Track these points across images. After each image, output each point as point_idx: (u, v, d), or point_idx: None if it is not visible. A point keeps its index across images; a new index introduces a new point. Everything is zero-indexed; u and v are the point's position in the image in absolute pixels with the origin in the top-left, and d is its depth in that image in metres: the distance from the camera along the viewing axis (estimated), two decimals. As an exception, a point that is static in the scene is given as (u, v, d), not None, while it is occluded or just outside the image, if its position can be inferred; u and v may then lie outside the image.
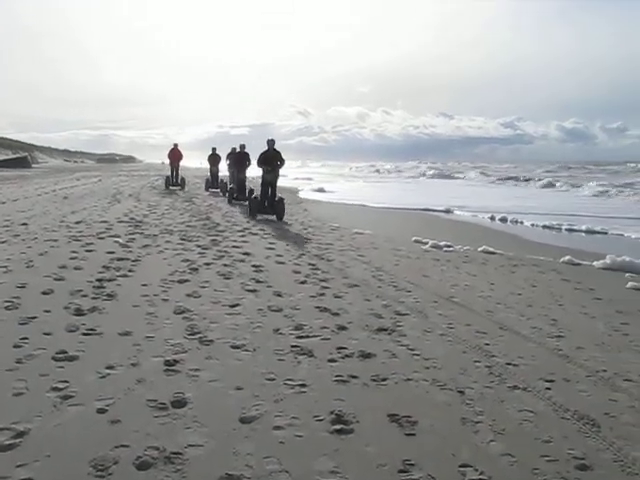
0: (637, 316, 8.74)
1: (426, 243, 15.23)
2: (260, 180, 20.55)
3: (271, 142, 19.88)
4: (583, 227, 20.79)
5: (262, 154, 19.72)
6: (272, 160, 19.66)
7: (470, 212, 26.20)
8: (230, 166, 27.94)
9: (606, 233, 19.94)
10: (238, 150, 26.76)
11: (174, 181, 33.85)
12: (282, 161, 19.99)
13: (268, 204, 19.88)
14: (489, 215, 24.16)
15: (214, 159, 33.80)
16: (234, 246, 13.08)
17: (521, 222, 22.49)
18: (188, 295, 8.37)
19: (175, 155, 34.19)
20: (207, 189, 33.39)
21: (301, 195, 36.06)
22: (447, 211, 26.39)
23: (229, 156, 29.39)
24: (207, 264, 10.79)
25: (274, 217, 19.76)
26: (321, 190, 40.66)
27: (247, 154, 25.76)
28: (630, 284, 11.04)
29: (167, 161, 35.12)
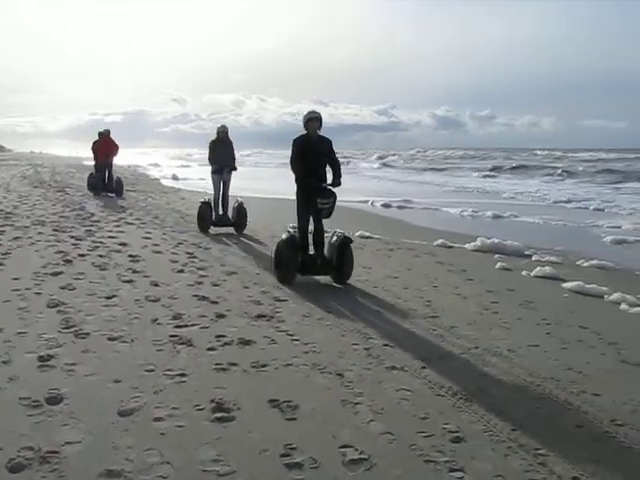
0: (505, 295, 9.14)
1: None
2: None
3: (313, 119, 9.29)
4: (461, 210, 21.57)
5: (300, 143, 9.31)
6: (319, 156, 9.34)
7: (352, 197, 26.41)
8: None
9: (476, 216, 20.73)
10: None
11: (106, 183, 23.35)
12: (336, 161, 9.46)
13: (317, 256, 9.52)
14: (365, 200, 24.45)
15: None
16: (110, 236, 12.74)
17: (401, 207, 22.95)
18: (62, 288, 8.11)
19: (106, 147, 23.47)
20: (96, 191, 23.02)
21: (178, 185, 35.41)
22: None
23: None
24: (82, 255, 10.48)
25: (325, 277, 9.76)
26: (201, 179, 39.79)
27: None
28: (499, 265, 11.52)
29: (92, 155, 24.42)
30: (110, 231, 13.56)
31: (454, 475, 3.97)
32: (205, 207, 14.78)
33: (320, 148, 9.27)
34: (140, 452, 4.02)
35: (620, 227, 18.31)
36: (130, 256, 10.62)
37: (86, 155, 60.16)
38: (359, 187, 30.61)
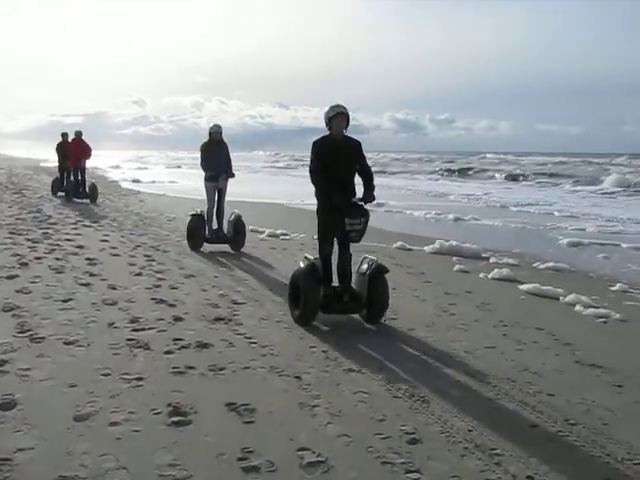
0: (463, 297, 9.22)
1: (263, 232, 15.28)
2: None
3: (339, 115, 7.42)
4: (424, 213, 21.72)
5: (321, 147, 7.49)
6: (346, 163, 7.55)
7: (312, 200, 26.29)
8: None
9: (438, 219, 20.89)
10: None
11: (81, 189, 21.76)
12: (368, 169, 7.80)
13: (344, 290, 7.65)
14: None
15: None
16: (67, 239, 12.62)
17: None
18: (17, 291, 8.01)
19: (79, 149, 21.59)
20: (68, 197, 21.77)
21: (137, 187, 35.05)
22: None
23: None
24: (38, 258, 10.35)
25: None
26: (155, 181, 39.37)
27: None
28: (457, 267, 11.62)
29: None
30: (67, 234, 13.42)
31: (410, 476, 3.99)
32: (197, 220, 12.46)
33: (347, 153, 7.42)
34: (95, 458, 3.98)
35: (584, 229, 18.66)
36: (87, 259, 10.52)
37: (44, 157, 59.50)
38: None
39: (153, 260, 10.83)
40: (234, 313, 7.62)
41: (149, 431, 4.40)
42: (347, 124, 7.44)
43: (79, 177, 21.90)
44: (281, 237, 14.89)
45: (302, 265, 7.59)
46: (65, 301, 7.68)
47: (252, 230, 15.68)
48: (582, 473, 4.20)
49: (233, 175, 12.67)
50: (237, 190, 17.62)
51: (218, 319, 7.31)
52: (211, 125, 12.82)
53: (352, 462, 4.13)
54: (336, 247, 7.62)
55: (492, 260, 12.54)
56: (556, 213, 23.54)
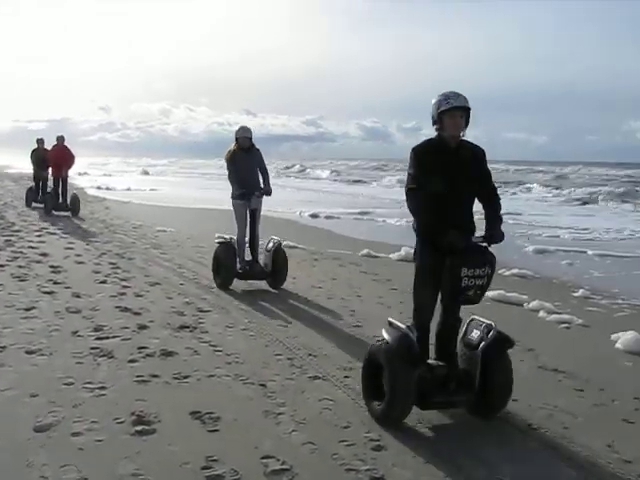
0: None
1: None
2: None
3: (453, 110, 5.00)
4: (392, 220, 21.83)
5: (425, 153, 5.10)
6: (463, 179, 5.05)
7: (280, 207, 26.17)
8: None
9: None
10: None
11: (61, 200, 19.60)
12: (493, 190, 5.31)
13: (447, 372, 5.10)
14: (299, 211, 24.29)
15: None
16: (30, 247, 12.49)
17: (331, 217, 22.92)
18: (-22, 300, 7.89)
19: (60, 157, 19.56)
20: (47, 209, 19.62)
21: (104, 194, 34.70)
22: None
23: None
24: (0, 266, 10.24)
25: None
26: (128, 189, 38.93)
27: None
28: (423, 274, 11.61)
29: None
30: (31, 241, 13.29)
31: (375, 483, 4.01)
32: (226, 250, 9.75)
33: (463, 163, 5.06)
34: (56, 469, 3.93)
35: (559, 236, 18.95)
36: (51, 267, 10.43)
37: (8, 163, 58.66)
38: (288, 198, 30.60)
39: (118, 268, 10.74)
40: (199, 321, 7.59)
41: (112, 441, 4.36)
42: (467, 123, 5.11)
43: (59, 188, 19.70)
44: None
45: (385, 335, 5.06)
46: (28, 309, 7.60)
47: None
48: (544, 477, 4.24)
49: (270, 192, 9.96)
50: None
51: (183, 327, 7.28)
52: (237, 129, 10.01)
53: (317, 469, 4.13)
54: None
55: (457, 267, 12.58)
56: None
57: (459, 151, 5.07)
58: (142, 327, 7.17)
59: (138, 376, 5.61)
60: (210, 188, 37.44)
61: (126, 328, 7.08)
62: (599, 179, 52.64)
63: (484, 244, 4.99)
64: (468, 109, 5.04)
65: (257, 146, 10.03)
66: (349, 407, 5.20)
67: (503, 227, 5.10)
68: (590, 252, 15.57)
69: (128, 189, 36.39)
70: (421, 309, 5.17)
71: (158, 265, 11.37)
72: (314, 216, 23.17)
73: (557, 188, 42.96)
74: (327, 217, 23.01)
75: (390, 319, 5.23)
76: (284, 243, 14.23)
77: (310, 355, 6.49)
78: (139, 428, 4.57)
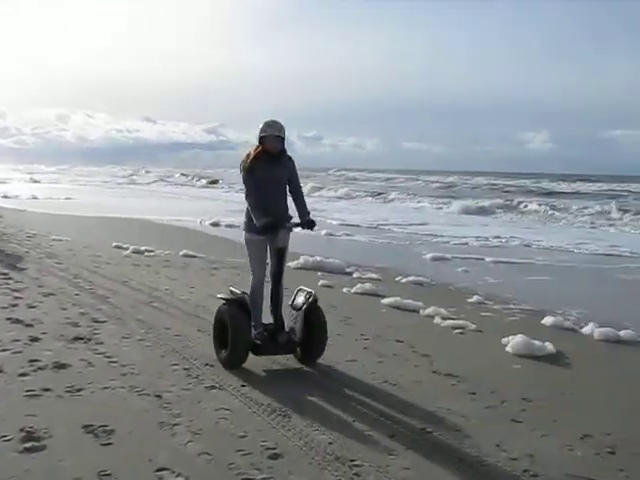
0: (326, 312, 9.05)
1: (127, 249, 14.92)
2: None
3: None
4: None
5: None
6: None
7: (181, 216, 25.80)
8: None
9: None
10: None
11: None
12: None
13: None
14: (199, 220, 24.02)
15: None
16: None
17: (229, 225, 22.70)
18: None
19: None
20: None
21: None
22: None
23: None
24: None
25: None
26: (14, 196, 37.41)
27: None
28: (321, 282, 11.70)
29: None
30: None
31: (271, 491, 4.02)
32: (234, 310, 6.53)
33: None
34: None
35: (467, 244, 19.62)
36: None
37: None
38: (187, 206, 30.31)
39: (10, 278, 10.36)
40: (94, 332, 7.42)
41: (-2, 460, 4.21)
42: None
43: None
44: (145, 254, 14.58)
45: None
46: None
47: (116, 247, 15.34)
48: (439, 477, 4.34)
49: (313, 223, 6.95)
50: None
51: (77, 338, 7.10)
52: (262, 124, 6.52)
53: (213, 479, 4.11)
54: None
55: (355, 275, 12.79)
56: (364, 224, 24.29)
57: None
58: (34, 339, 6.95)
59: (28, 390, 5.42)
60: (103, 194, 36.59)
61: (17, 341, 6.85)
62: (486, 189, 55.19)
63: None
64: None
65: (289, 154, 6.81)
66: (246, 416, 5.19)
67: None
68: (488, 259, 16.07)
69: (23, 197, 35.12)
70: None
71: (53, 275, 11.04)
72: (215, 225, 22.95)
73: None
74: (228, 225, 22.77)
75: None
76: (182, 252, 14.15)
77: (207, 365, 6.44)
78: (28, 445, 4.41)
